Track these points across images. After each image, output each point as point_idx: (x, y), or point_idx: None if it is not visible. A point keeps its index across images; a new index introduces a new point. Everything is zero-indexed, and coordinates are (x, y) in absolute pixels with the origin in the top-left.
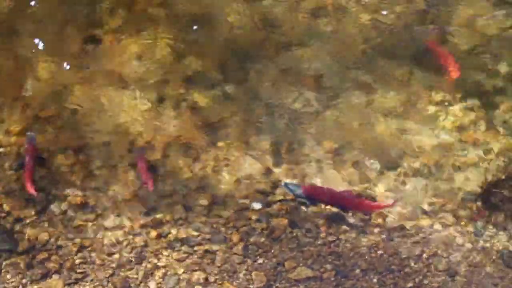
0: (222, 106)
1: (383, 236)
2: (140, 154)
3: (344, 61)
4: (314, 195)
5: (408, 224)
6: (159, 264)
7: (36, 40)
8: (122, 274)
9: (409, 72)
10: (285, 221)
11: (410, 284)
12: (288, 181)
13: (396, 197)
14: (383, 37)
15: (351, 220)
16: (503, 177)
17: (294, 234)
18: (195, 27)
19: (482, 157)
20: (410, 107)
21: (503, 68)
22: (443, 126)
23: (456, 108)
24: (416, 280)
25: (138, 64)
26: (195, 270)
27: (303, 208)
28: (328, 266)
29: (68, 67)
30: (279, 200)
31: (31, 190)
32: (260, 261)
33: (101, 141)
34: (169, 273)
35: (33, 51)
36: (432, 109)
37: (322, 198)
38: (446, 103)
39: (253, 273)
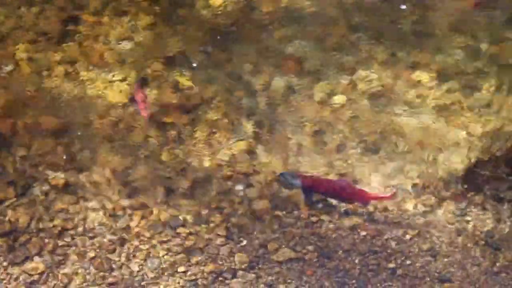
0: (204, 87)
1: (365, 217)
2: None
3: (325, 42)
4: (311, 186)
5: (391, 205)
6: (141, 246)
7: (16, 20)
8: (104, 256)
9: (391, 53)
10: (267, 203)
11: (392, 265)
12: (284, 171)
13: (394, 188)
14: (365, 18)
15: (333, 202)
16: (486, 158)
17: (276, 215)
18: (176, 8)
19: (464, 138)
20: (392, 88)
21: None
22: (425, 107)
23: (439, 89)
24: (399, 260)
25: (119, 45)
26: (178, 252)
27: (285, 190)
28: (311, 248)
29: (48, 47)
30: (262, 181)
31: None
32: (243, 243)
33: (82, 123)
34: (151, 255)
35: (12, 31)
36: (414, 90)
37: (320, 189)
38: (428, 84)
39: (236, 255)
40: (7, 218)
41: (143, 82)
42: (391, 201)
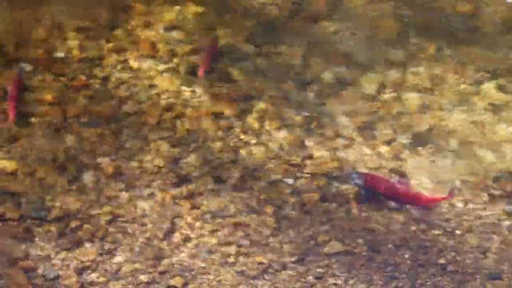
0: (253, 78)
1: (415, 212)
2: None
3: (375, 36)
4: (373, 186)
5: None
6: (192, 235)
7: (67, 8)
8: (154, 244)
9: (441, 48)
10: (317, 196)
11: (442, 261)
12: (349, 169)
13: (451, 188)
14: (414, 12)
15: (375, 192)
16: None
17: (326, 208)
18: None
19: None
20: (442, 84)
21: None
22: (476, 103)
23: (489, 85)
24: (449, 256)
25: (169, 34)
26: (228, 242)
27: (335, 183)
28: (360, 241)
29: (99, 36)
30: (311, 174)
31: (11, 116)
32: (292, 234)
33: (132, 111)
34: (201, 244)
35: (65, 19)
36: (464, 86)
37: (380, 189)
38: (479, 80)
39: (285, 246)
40: (58, 204)
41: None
42: (448, 199)
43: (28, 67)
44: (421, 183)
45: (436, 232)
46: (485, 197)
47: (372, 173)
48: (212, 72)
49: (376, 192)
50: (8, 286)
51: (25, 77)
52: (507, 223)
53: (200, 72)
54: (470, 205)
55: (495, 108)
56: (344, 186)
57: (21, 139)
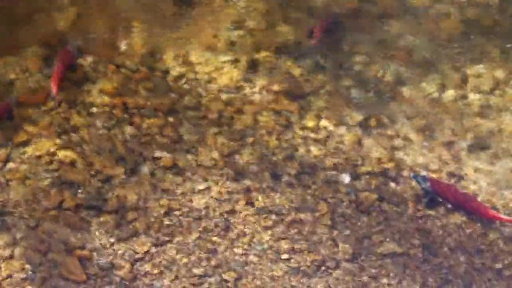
0: (314, 75)
1: (472, 215)
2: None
3: (438, 36)
4: (440, 191)
5: (499, 204)
6: (246, 230)
7: (131, 1)
8: (208, 238)
9: (504, 50)
10: (374, 195)
11: (499, 265)
12: (416, 173)
13: None
14: (479, 14)
15: (440, 198)
16: None
17: (382, 208)
18: None
19: None
20: (505, 86)
21: None
22: None
23: None
24: (506, 261)
25: (231, 29)
26: (282, 239)
27: (392, 183)
28: (416, 242)
29: (161, 28)
30: (368, 173)
31: (54, 89)
32: (347, 233)
33: (191, 105)
34: (255, 240)
35: (127, 12)
36: None
37: (447, 195)
38: None
39: (340, 245)
40: (115, 195)
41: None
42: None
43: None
44: (480, 187)
45: (493, 236)
46: None
47: (439, 179)
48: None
49: (442, 197)
50: (63, 274)
51: (77, 54)
52: None
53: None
54: None
55: None
56: (401, 187)
57: (81, 129)
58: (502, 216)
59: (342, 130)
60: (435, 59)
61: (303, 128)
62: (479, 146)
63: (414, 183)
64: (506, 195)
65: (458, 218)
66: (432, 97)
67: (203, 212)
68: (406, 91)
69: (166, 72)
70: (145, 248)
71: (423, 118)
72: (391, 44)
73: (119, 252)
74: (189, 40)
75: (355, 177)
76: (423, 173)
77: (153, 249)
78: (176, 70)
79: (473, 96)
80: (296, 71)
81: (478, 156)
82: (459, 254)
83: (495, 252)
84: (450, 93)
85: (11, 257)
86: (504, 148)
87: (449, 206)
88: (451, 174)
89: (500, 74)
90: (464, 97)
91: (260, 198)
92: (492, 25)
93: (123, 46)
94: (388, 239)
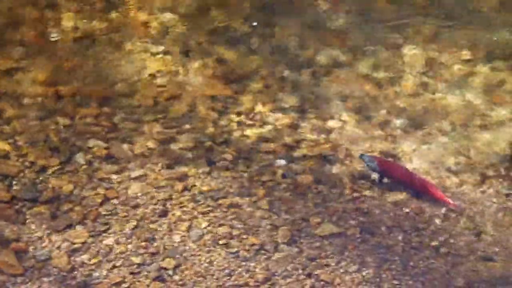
0: (248, 60)
1: (408, 194)
2: None
3: (370, 17)
4: (387, 171)
5: (434, 183)
6: (184, 217)
7: None
8: (146, 226)
9: (437, 30)
10: (310, 177)
11: (435, 243)
12: (364, 153)
13: (461, 204)
14: None
15: (376, 177)
16: None
17: (319, 190)
18: None
19: (509, 117)
20: (437, 66)
21: None
22: (470, 86)
23: (484, 67)
24: (442, 238)
25: (163, 16)
26: (220, 224)
27: (328, 164)
28: (353, 223)
29: (92, 17)
30: (304, 156)
31: None
32: (284, 216)
33: (125, 93)
34: (193, 226)
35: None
36: (459, 68)
37: (394, 174)
38: (474, 62)
39: (278, 228)
40: (50, 186)
41: None
42: (451, 206)
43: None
44: (415, 166)
45: (429, 214)
46: (479, 179)
47: (386, 159)
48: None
49: (390, 177)
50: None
51: None
52: (501, 205)
53: None
54: (464, 187)
55: (490, 90)
56: (337, 168)
57: (13, 120)
58: (448, 200)
59: (277, 113)
60: (369, 40)
61: (238, 113)
62: (413, 125)
63: (350, 163)
64: (440, 173)
65: (395, 197)
66: (367, 78)
67: (140, 200)
68: (340, 72)
69: (99, 60)
70: (82, 239)
71: (358, 99)
72: (324, 26)
73: (56, 243)
74: (122, 28)
75: (291, 160)
76: (377, 155)
77: (90, 239)
78: (109, 58)
79: (407, 76)
80: (230, 56)
81: (413, 135)
82: (397, 233)
83: (432, 229)
84: (384, 74)
85: None
86: (438, 127)
87: (397, 185)
88: (386, 154)
89: (433, 53)
90: (398, 77)
91: (197, 184)
92: (426, 5)
93: (55, 36)
94: (326, 221)
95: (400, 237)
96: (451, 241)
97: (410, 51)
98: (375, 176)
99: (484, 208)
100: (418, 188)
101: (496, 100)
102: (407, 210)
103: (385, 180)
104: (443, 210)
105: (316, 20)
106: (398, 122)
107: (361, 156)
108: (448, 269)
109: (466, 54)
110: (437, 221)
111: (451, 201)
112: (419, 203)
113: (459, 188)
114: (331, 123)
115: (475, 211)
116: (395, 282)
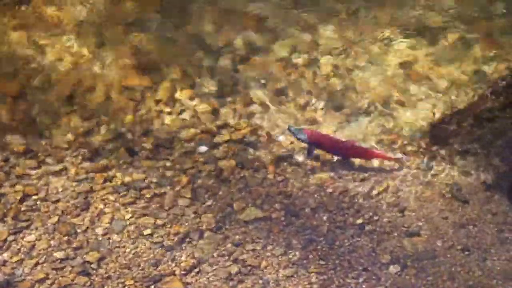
0: (164, 48)
1: (332, 174)
2: None
3: (286, 1)
4: (316, 141)
5: (357, 161)
6: (106, 209)
7: None
8: (68, 221)
9: (354, 9)
10: (233, 162)
11: (360, 221)
12: (292, 125)
13: (403, 156)
14: None
15: (299, 159)
16: (450, 112)
17: (242, 175)
18: None
19: (428, 93)
20: (355, 46)
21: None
22: (388, 64)
23: (401, 45)
24: (366, 216)
25: (75, 9)
26: (143, 214)
27: (250, 149)
28: (277, 206)
29: (4, 12)
30: (226, 141)
31: None
32: (208, 203)
33: (41, 87)
34: (116, 218)
35: None
36: (377, 46)
37: (324, 143)
38: (391, 40)
39: (202, 216)
40: None
41: None
42: (394, 162)
43: None
44: None
45: (352, 192)
46: (400, 155)
47: (314, 129)
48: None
49: (319, 146)
50: None
51: None
52: (423, 180)
53: None
54: (386, 164)
55: (407, 67)
56: (260, 152)
57: None
58: (386, 154)
59: (196, 100)
60: (284, 24)
61: (157, 101)
62: (334, 106)
63: (272, 147)
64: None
65: (318, 178)
66: (285, 61)
67: (61, 195)
68: (258, 57)
69: (12, 55)
70: (2, 237)
71: (277, 82)
72: (240, 11)
73: None
74: (34, 22)
75: (213, 146)
76: (281, 137)
77: (11, 237)
78: (23, 53)
79: (324, 58)
80: (146, 46)
81: (334, 116)
82: (321, 213)
83: (356, 208)
84: (302, 56)
85: None
86: (358, 107)
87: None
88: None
89: (349, 34)
90: (316, 59)
91: (118, 175)
92: None
93: None
94: (250, 205)
95: (324, 218)
96: (376, 218)
97: (326, 32)
98: (304, 148)
99: (407, 184)
100: (351, 154)
101: (414, 77)
102: (330, 190)
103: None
104: (367, 188)
105: (232, 5)
106: (318, 103)
107: (289, 128)
108: (373, 246)
109: (382, 33)
110: (361, 199)
111: (390, 155)
112: (343, 183)
113: (381, 165)
114: (251, 108)
115: (398, 187)
116: (322, 262)
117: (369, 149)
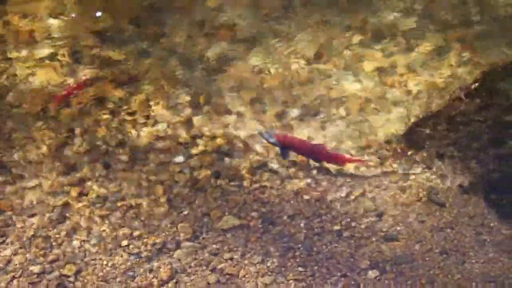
0: (138, 60)
1: (308, 181)
2: None
3: (258, 9)
4: (287, 144)
5: (333, 168)
6: (82, 222)
7: None
8: (44, 234)
9: (325, 16)
10: (208, 172)
11: (337, 227)
12: (262, 129)
13: (368, 158)
14: None
15: (275, 167)
16: (424, 115)
17: (218, 184)
18: None
19: (402, 98)
20: (329, 52)
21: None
22: (362, 69)
23: (375, 50)
24: (344, 222)
25: (49, 21)
26: (120, 226)
27: (226, 158)
28: (255, 214)
29: None
30: (202, 151)
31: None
32: (185, 212)
33: (13, 103)
34: (92, 230)
35: None
36: (350, 52)
37: (295, 148)
38: (365, 46)
39: (179, 225)
40: None
41: None
42: (362, 164)
43: None
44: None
45: (330, 198)
46: (376, 160)
47: (285, 133)
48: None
49: (291, 149)
50: None
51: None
52: (399, 184)
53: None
54: (362, 169)
55: (381, 72)
56: (236, 161)
57: None
58: (354, 158)
59: (171, 111)
60: (258, 33)
61: (132, 113)
62: (309, 113)
63: (248, 155)
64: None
65: (295, 185)
66: (259, 70)
67: (36, 209)
68: (232, 66)
69: None
70: None
71: (252, 92)
72: (213, 22)
73: None
74: (6, 36)
75: (189, 156)
76: (257, 145)
77: None
78: None
79: (299, 65)
80: (120, 58)
81: (309, 124)
82: (299, 220)
83: (333, 214)
84: (276, 64)
85: None
86: (334, 113)
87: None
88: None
89: (323, 40)
90: (290, 66)
91: (94, 187)
92: None
93: None
94: (227, 214)
95: (302, 224)
96: (353, 224)
97: (300, 39)
98: (277, 150)
99: (384, 189)
100: (318, 156)
101: (388, 82)
102: (307, 197)
103: (289, 153)
104: (344, 194)
105: (204, 17)
106: (293, 111)
107: (260, 133)
108: (352, 252)
109: (356, 38)
110: (338, 205)
111: (359, 158)
112: (320, 189)
113: (358, 171)
114: (226, 117)
115: (375, 192)
116: (300, 269)
117: (340, 154)
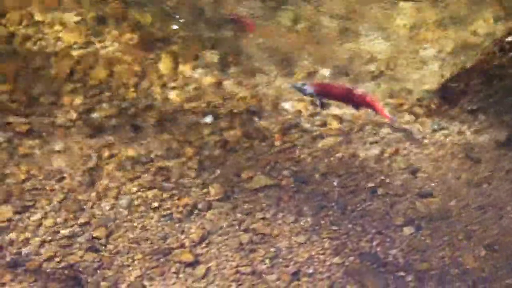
0: (165, 23)
1: (341, 139)
2: None
3: None
4: (323, 91)
5: (366, 125)
6: (111, 184)
7: None
8: (74, 197)
9: None
10: (239, 132)
11: (371, 184)
12: (295, 83)
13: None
14: None
15: (306, 126)
16: (457, 71)
17: (249, 144)
18: None
19: (435, 55)
20: (359, 9)
21: None
22: (393, 27)
23: (406, 6)
24: (378, 180)
25: None
26: (150, 188)
27: (256, 118)
28: (286, 173)
29: None
30: (231, 112)
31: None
32: (216, 173)
33: (41, 66)
34: (122, 192)
35: None
36: (381, 9)
37: (331, 93)
38: (396, 3)
39: (209, 186)
40: None
41: None
42: (388, 120)
43: None
44: (344, 112)
45: (363, 156)
46: (411, 118)
47: (319, 81)
48: None
49: (328, 96)
50: None
51: None
52: (434, 140)
53: None
54: (396, 127)
55: (413, 29)
56: (266, 121)
57: None
58: (385, 113)
59: (199, 72)
60: None
61: (160, 76)
62: (340, 72)
63: (278, 115)
64: (371, 113)
65: (326, 143)
66: (288, 29)
67: (66, 172)
68: (261, 25)
69: (10, 35)
70: (7, 216)
71: (281, 52)
72: None
73: None
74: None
75: (218, 117)
76: (286, 104)
77: (16, 216)
78: (21, 32)
79: (328, 24)
80: (147, 20)
81: (341, 83)
82: (331, 178)
83: (367, 172)
84: (305, 23)
85: None
86: (365, 71)
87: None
88: (316, 104)
89: None
90: (320, 24)
91: (122, 150)
92: None
93: None
94: (258, 174)
95: (335, 183)
96: (387, 181)
97: None
98: (316, 101)
99: (418, 145)
100: (357, 102)
101: (419, 38)
102: (339, 155)
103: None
104: (377, 151)
105: None
106: (324, 71)
107: (294, 86)
108: (386, 209)
109: None
110: (372, 163)
111: (388, 115)
112: (352, 146)
113: (391, 128)
114: (256, 77)
115: (409, 149)
116: (334, 227)
117: (373, 100)
